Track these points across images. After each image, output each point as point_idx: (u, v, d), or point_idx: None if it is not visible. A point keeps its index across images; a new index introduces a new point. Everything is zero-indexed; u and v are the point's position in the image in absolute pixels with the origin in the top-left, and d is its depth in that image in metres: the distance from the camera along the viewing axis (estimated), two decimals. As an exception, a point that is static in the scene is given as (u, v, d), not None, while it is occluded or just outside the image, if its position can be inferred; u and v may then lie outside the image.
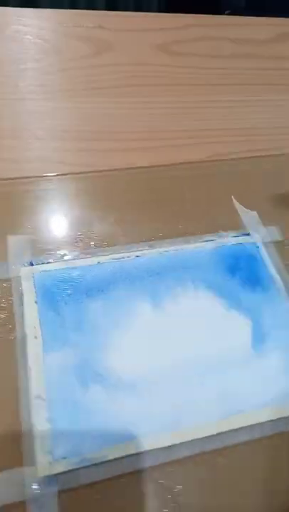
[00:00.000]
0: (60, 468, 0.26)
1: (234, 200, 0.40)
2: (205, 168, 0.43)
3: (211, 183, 0.41)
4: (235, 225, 0.39)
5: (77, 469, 0.26)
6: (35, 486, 0.25)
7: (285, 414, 0.29)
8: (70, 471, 0.26)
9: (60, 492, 0.25)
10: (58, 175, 0.40)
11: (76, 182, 0.40)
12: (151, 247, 0.36)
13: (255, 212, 0.40)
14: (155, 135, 0.45)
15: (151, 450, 0.27)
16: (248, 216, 0.39)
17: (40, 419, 0.27)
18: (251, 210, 0.40)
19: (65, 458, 0.26)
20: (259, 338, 0.32)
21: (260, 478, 0.27)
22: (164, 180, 0.41)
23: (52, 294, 0.32)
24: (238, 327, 0.33)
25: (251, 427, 0.28)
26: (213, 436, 0.28)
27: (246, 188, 0.41)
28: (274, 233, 0.39)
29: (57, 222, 0.37)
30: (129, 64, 0.51)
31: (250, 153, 0.46)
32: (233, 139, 0.47)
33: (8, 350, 0.30)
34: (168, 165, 0.42)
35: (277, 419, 0.29)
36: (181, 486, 0.26)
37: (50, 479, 0.25)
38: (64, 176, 0.40)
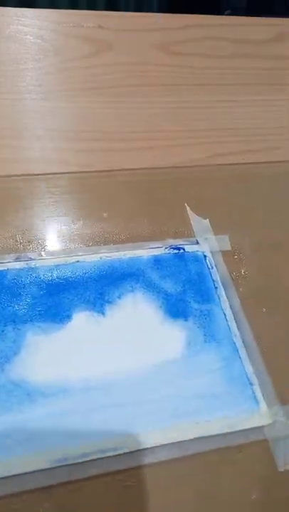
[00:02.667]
0: None
1: (187, 208, 0.39)
2: (167, 174, 0.42)
3: (168, 189, 0.40)
4: (187, 233, 0.38)
5: None
6: None
7: (205, 434, 0.27)
8: None
9: None
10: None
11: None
12: (94, 252, 0.35)
13: (207, 221, 0.38)
14: (155, 135, 0.45)
15: (55, 467, 0.25)
16: (200, 224, 0.38)
17: None
18: (206, 217, 0.39)
19: None
20: (191, 352, 0.30)
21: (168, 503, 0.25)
22: (124, 184, 0.40)
23: None
24: (170, 340, 0.31)
25: (172, 444, 0.26)
26: (123, 454, 0.26)
27: (203, 195, 0.40)
28: (224, 242, 0.37)
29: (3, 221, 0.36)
30: (129, 64, 0.51)
31: (250, 153, 0.46)
32: (233, 139, 0.47)
33: None
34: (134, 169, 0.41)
35: (198, 438, 0.27)
36: (81, 507, 0.24)
37: None
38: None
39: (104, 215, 0.38)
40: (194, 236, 0.38)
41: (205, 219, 0.38)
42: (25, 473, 0.24)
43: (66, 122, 0.45)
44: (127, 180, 0.41)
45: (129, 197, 0.40)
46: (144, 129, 0.46)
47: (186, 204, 0.39)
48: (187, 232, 0.38)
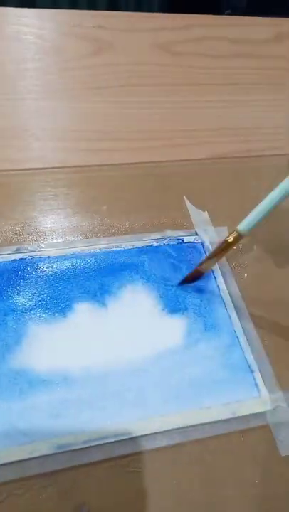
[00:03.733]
0: None
1: (185, 200, 0.40)
2: (165, 167, 0.42)
3: (167, 182, 0.41)
4: (186, 225, 0.38)
5: None
6: None
7: (207, 420, 0.27)
8: None
9: None
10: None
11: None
12: (93, 243, 0.35)
13: (206, 213, 0.39)
14: (155, 135, 0.45)
15: (58, 453, 0.25)
16: (199, 216, 0.39)
17: None
18: (205, 210, 0.39)
19: None
20: (191, 341, 0.31)
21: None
22: (122, 178, 0.41)
23: None
24: (171, 329, 0.31)
25: (174, 430, 0.27)
26: (125, 440, 0.26)
27: (202, 188, 0.41)
28: (223, 233, 0.37)
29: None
30: (129, 64, 0.51)
31: (248, 153, 0.46)
32: (232, 139, 0.47)
33: None
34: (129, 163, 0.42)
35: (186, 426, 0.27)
36: (84, 492, 0.24)
37: None
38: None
39: (104, 207, 0.38)
40: (193, 228, 0.38)
41: (204, 211, 0.39)
42: (28, 459, 0.25)
43: (66, 122, 0.45)
44: (126, 173, 0.41)
45: (128, 190, 0.40)
46: (144, 128, 0.46)
47: (184, 197, 0.40)
48: (186, 224, 0.38)
